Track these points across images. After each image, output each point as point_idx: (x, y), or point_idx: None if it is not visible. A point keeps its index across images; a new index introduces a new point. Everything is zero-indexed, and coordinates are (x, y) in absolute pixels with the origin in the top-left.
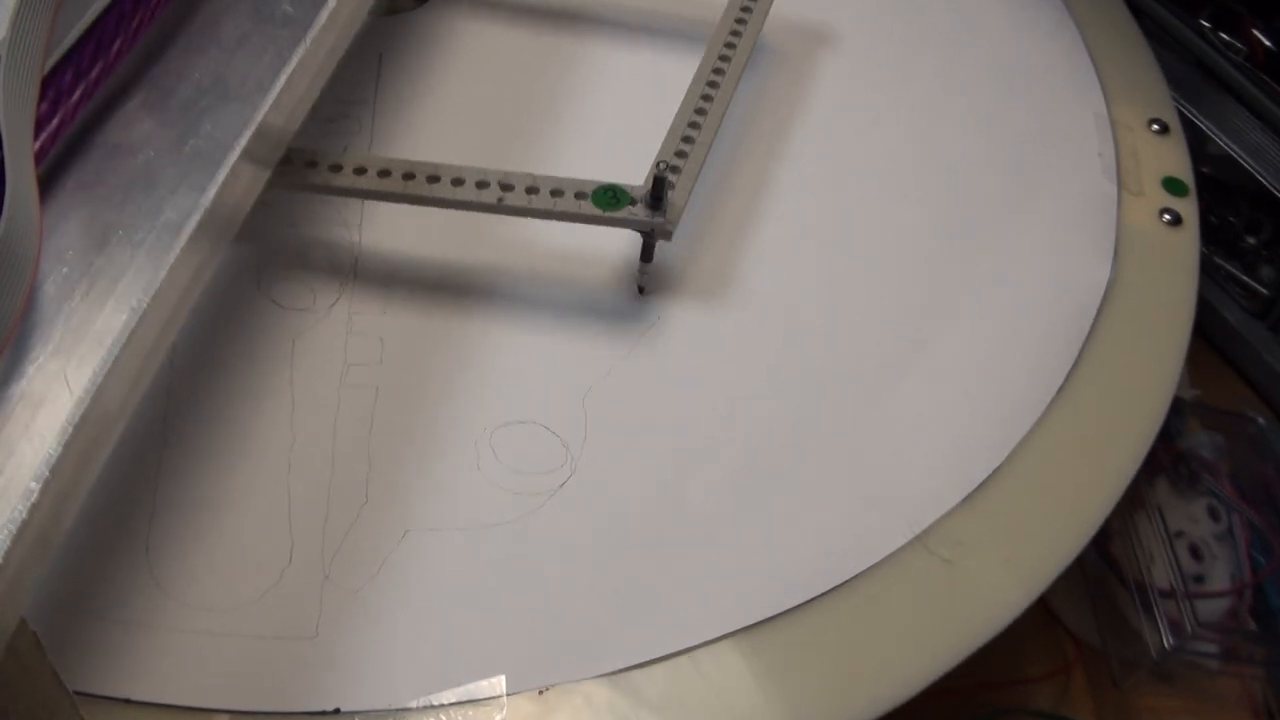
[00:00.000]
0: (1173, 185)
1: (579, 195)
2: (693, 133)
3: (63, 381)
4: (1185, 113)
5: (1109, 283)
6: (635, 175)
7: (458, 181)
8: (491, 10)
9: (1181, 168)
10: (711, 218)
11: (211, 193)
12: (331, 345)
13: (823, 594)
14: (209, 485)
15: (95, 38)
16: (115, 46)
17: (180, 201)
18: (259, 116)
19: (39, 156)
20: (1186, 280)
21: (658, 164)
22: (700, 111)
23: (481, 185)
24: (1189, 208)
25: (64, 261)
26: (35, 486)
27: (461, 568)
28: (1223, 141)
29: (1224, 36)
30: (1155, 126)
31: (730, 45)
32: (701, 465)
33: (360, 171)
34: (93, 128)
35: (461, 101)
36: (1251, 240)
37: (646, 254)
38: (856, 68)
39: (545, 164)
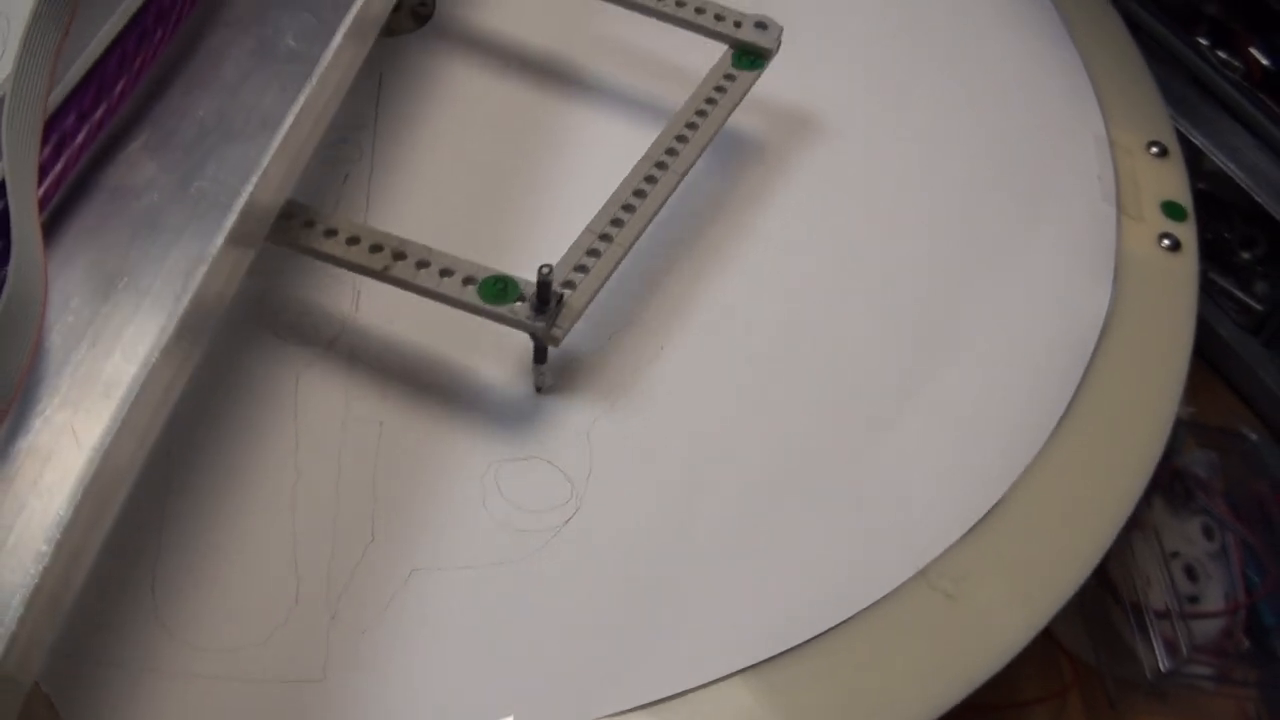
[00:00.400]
0: (1172, 210)
1: (467, 280)
2: (613, 230)
3: (70, 435)
4: (1181, 130)
5: (1109, 310)
6: None
7: (352, 240)
8: (492, 34)
9: (1180, 192)
10: (704, 250)
11: (219, 242)
12: (335, 379)
13: (827, 630)
14: (214, 525)
15: (98, 79)
16: (119, 87)
17: (186, 247)
18: (265, 161)
19: (43, 203)
20: (1185, 307)
21: (541, 268)
22: (628, 208)
23: (375, 249)
24: (1188, 233)
25: (69, 310)
26: (47, 549)
27: (468, 607)
28: (1219, 159)
29: (1221, 54)
30: (1154, 149)
31: (691, 126)
32: (705, 501)
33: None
34: (95, 169)
35: (458, 132)
36: (1246, 256)
37: (539, 355)
38: (854, 86)
39: (527, 212)
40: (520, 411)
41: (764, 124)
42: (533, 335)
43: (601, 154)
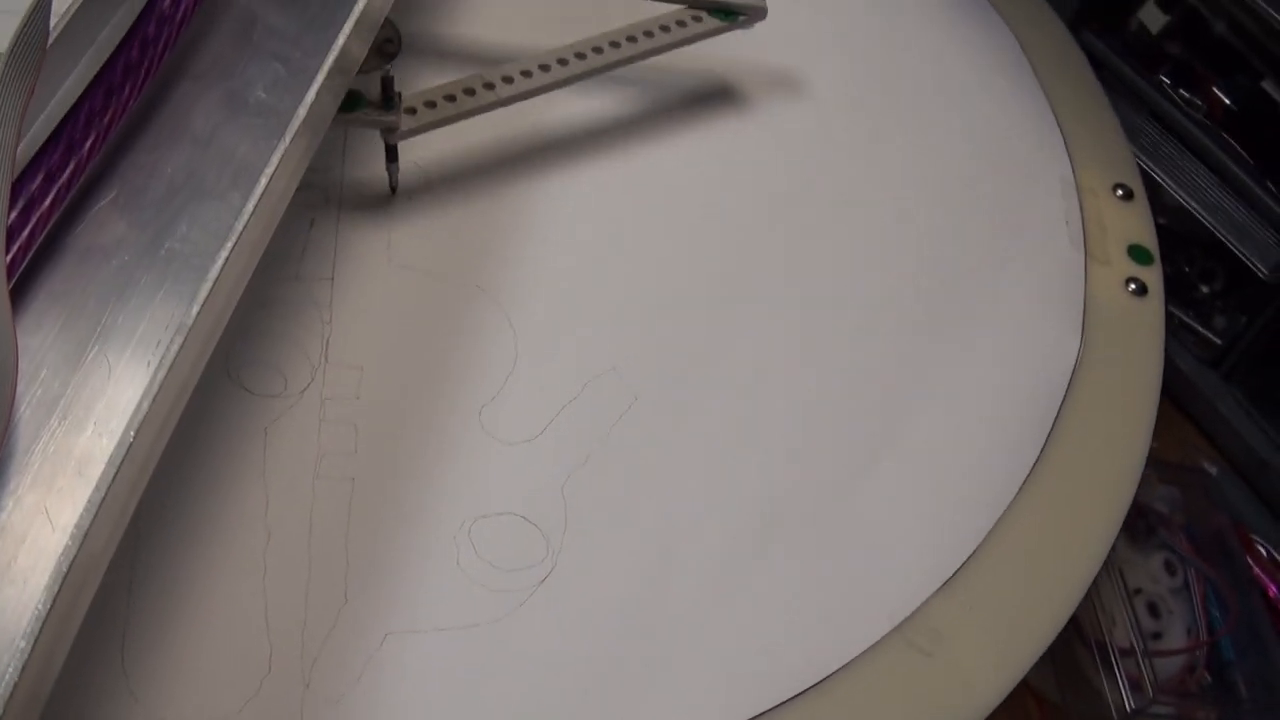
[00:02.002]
0: (1138, 254)
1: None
2: (501, 85)
3: (44, 516)
4: (1143, 166)
5: (1077, 358)
6: None
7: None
8: (460, 66)
9: (1146, 235)
10: (679, 300)
11: (194, 310)
12: (305, 434)
13: (804, 691)
14: (184, 590)
15: (66, 137)
16: (87, 145)
17: (159, 312)
18: (239, 226)
19: (10, 270)
20: (1153, 353)
21: (385, 69)
22: (526, 74)
23: None
24: (1154, 277)
25: (38, 382)
26: (24, 645)
27: (443, 672)
28: (1180, 196)
29: (1183, 93)
30: (1120, 191)
31: (632, 40)
32: (681, 558)
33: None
34: (63, 229)
35: (428, 171)
36: (1205, 290)
37: (390, 153)
38: (824, 133)
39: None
40: (494, 465)
41: (728, 173)
42: (381, 131)
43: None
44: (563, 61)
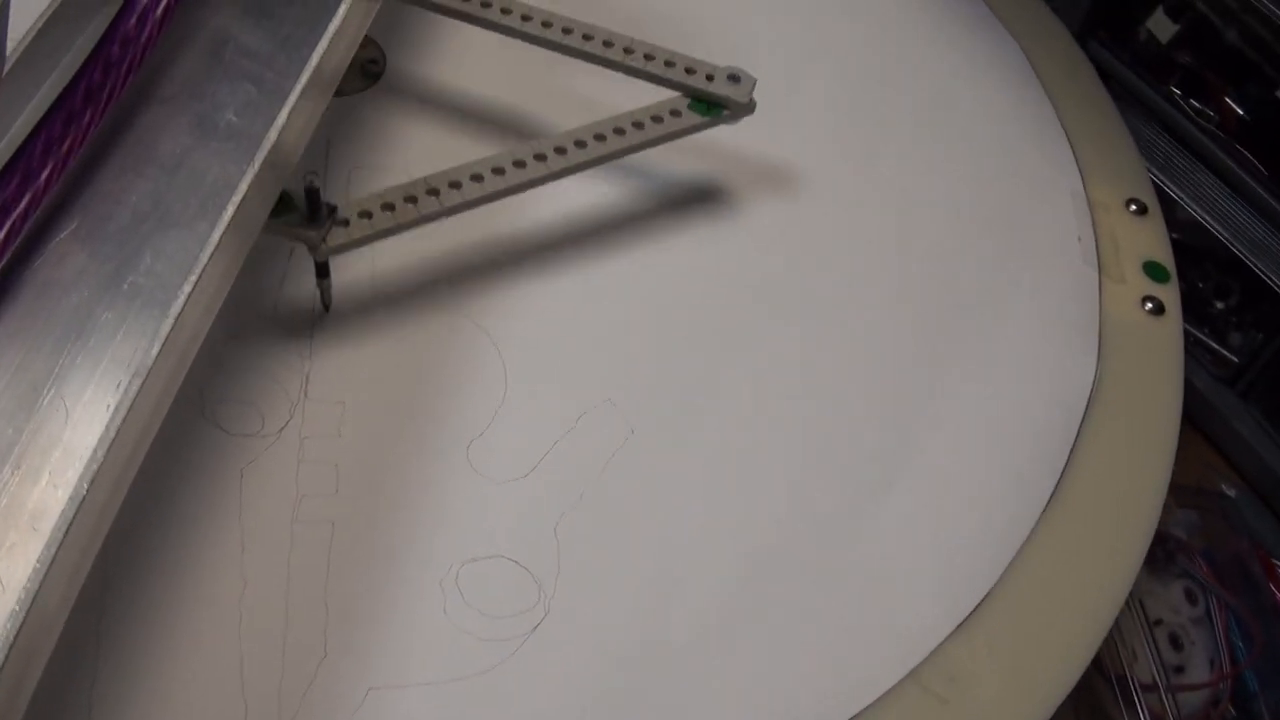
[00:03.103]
0: (1154, 270)
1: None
2: (448, 192)
3: None
4: (1155, 180)
5: (1094, 382)
6: None
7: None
8: (446, 90)
9: (1162, 251)
10: (674, 328)
11: (155, 349)
12: (283, 475)
13: None
14: (155, 643)
15: (21, 168)
16: (45, 175)
17: (119, 353)
18: (204, 257)
19: None
20: (1172, 373)
21: (308, 174)
22: (477, 178)
23: None
24: (1171, 294)
25: None
26: None
27: None
28: (1193, 210)
29: (1194, 104)
30: (1133, 207)
31: (600, 139)
32: (681, 602)
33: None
34: (21, 262)
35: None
36: (1220, 306)
37: (320, 270)
38: (825, 148)
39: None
40: (483, 505)
41: (734, 191)
42: (308, 246)
43: (553, 210)
44: (519, 164)
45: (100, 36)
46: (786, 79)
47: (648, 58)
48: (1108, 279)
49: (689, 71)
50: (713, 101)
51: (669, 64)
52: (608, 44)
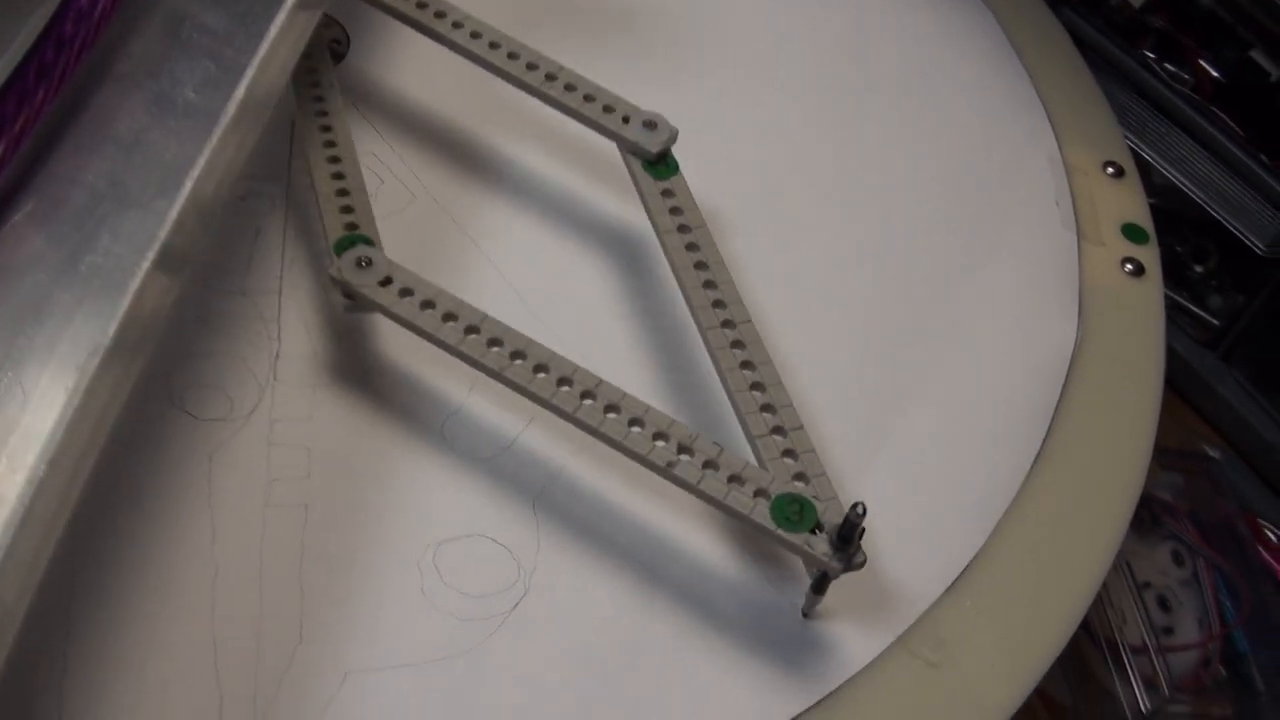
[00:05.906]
0: (1133, 232)
1: (759, 492)
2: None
3: None
4: (1130, 144)
5: (1075, 344)
6: None
7: (556, 377)
8: (404, 69)
9: (1140, 213)
10: (668, 298)
11: (112, 328)
12: (253, 459)
13: (803, 712)
14: (125, 632)
15: None
16: None
17: (77, 333)
18: (162, 234)
19: None
20: (1154, 334)
21: (856, 506)
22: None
23: (635, 423)
24: (1150, 256)
25: None
26: None
27: (411, 711)
28: (1170, 173)
29: (1169, 67)
30: (1110, 169)
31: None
32: (666, 578)
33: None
34: None
35: (379, 176)
36: (1199, 270)
37: (819, 585)
38: (798, 126)
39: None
40: (458, 484)
41: (709, 166)
42: (826, 570)
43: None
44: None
45: (52, 14)
46: (758, 50)
47: (567, 87)
48: (1087, 242)
49: (606, 110)
50: (623, 145)
51: (588, 98)
52: (531, 66)
